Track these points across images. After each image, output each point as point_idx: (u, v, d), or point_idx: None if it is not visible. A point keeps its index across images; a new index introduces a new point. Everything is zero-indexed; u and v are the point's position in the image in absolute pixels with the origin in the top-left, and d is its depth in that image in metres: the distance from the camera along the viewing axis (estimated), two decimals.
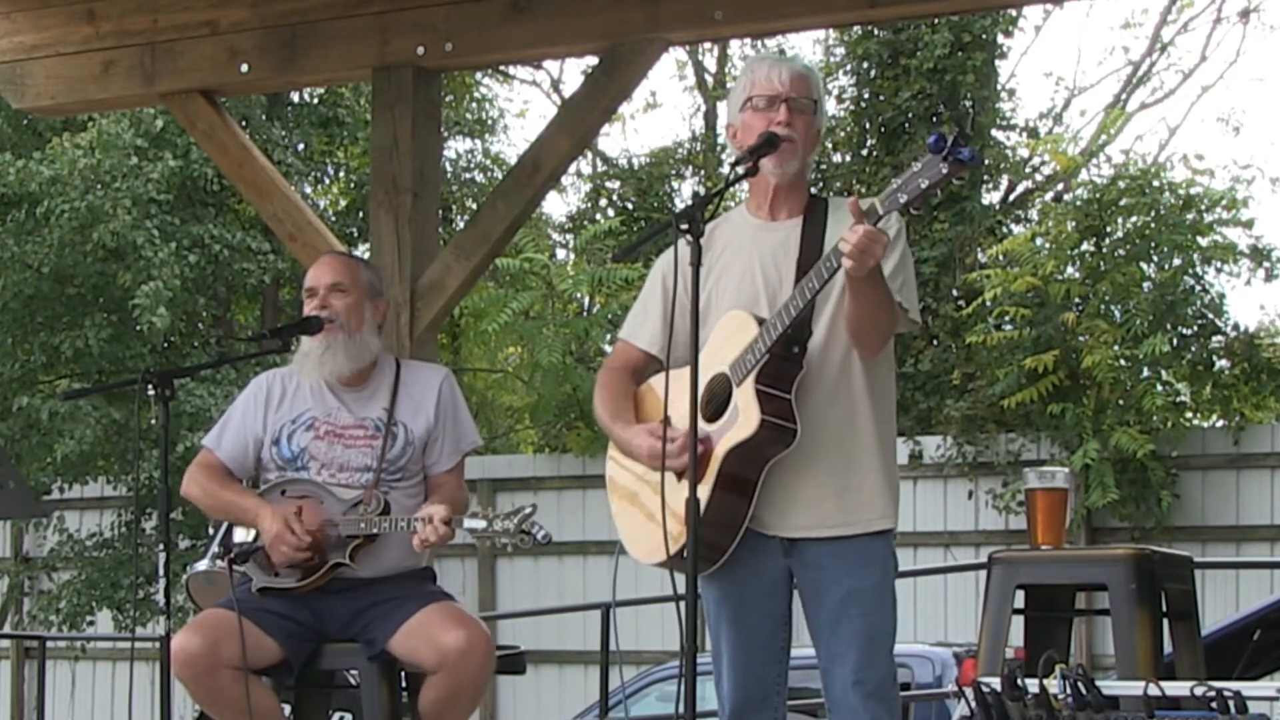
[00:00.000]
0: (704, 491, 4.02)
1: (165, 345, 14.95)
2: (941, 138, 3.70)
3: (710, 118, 20.68)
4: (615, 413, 4.30)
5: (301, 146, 16.38)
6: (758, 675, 4.20)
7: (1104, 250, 14.28)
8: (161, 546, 4.83)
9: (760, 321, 4.08)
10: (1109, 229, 14.34)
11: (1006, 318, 14.35)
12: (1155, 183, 14.29)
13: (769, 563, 4.16)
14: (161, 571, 4.80)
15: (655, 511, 4.13)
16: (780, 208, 4.25)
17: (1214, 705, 4.19)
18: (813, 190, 4.35)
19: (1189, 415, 14.42)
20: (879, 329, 4.08)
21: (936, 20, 16.07)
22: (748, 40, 17.70)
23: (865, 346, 4.12)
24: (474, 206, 18.70)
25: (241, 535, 4.97)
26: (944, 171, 3.72)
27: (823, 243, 4.13)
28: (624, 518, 4.34)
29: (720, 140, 20.22)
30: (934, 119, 16.68)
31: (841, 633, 4.10)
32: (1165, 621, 5.19)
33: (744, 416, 4.04)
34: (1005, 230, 16.60)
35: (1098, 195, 14.37)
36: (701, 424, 4.04)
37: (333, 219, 17.02)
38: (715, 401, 4.11)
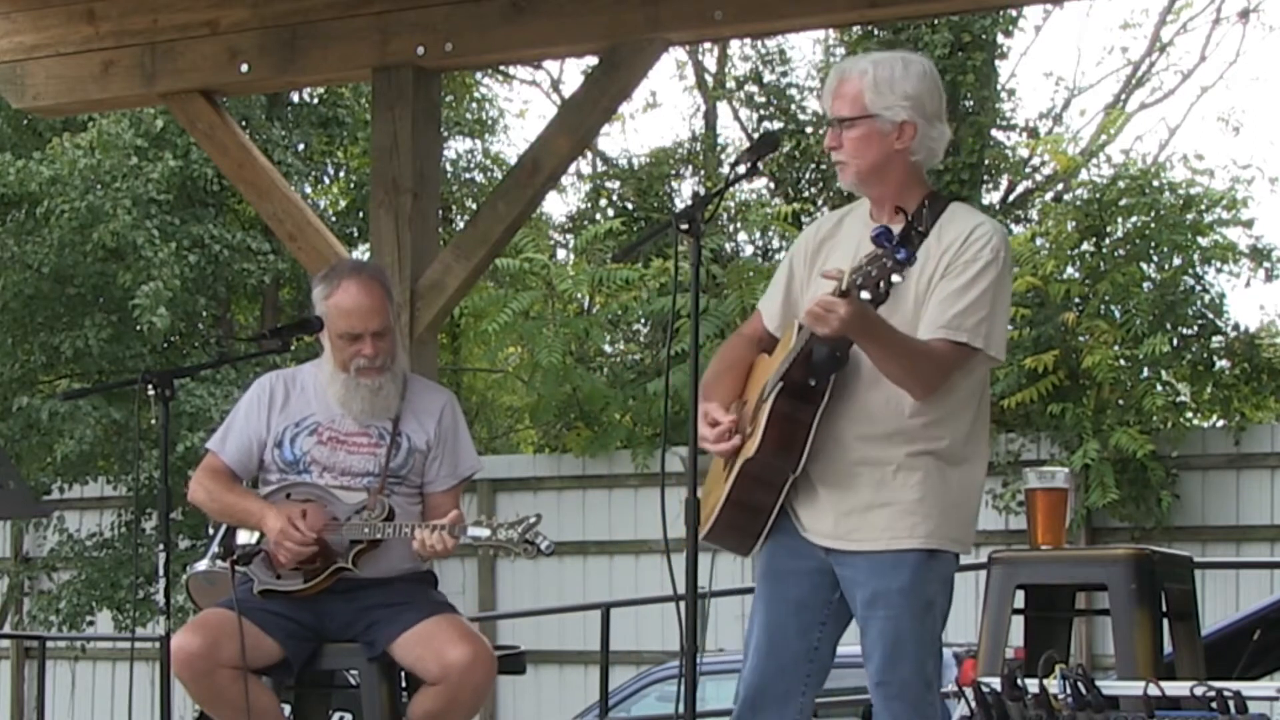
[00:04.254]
0: (723, 493, 4.08)
1: (165, 345, 14.94)
2: (885, 232, 3.68)
3: (710, 118, 20.66)
4: (707, 385, 4.25)
5: (301, 146, 16.37)
6: (781, 667, 4.16)
7: (1104, 250, 14.27)
8: (161, 546, 4.83)
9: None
10: (1109, 229, 14.33)
11: None
12: (1155, 183, 14.29)
13: (809, 560, 4.15)
14: (161, 571, 4.81)
15: (712, 489, 4.19)
16: (881, 211, 4.17)
17: (1214, 705, 4.19)
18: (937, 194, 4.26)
19: (1189, 415, 14.41)
20: (902, 379, 4.01)
21: (936, 20, 16.08)
22: (748, 40, 17.72)
23: (906, 390, 4.06)
24: (474, 206, 18.69)
25: (244, 536, 4.96)
26: (888, 266, 3.68)
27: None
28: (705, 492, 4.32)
29: (720, 140, 20.23)
30: None
31: (869, 633, 4.09)
32: (1165, 621, 5.19)
33: (754, 435, 4.06)
34: (1005, 230, 16.58)
35: (1098, 195, 14.36)
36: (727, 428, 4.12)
37: (333, 219, 17.00)
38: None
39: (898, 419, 4.08)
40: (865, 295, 3.72)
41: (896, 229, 3.72)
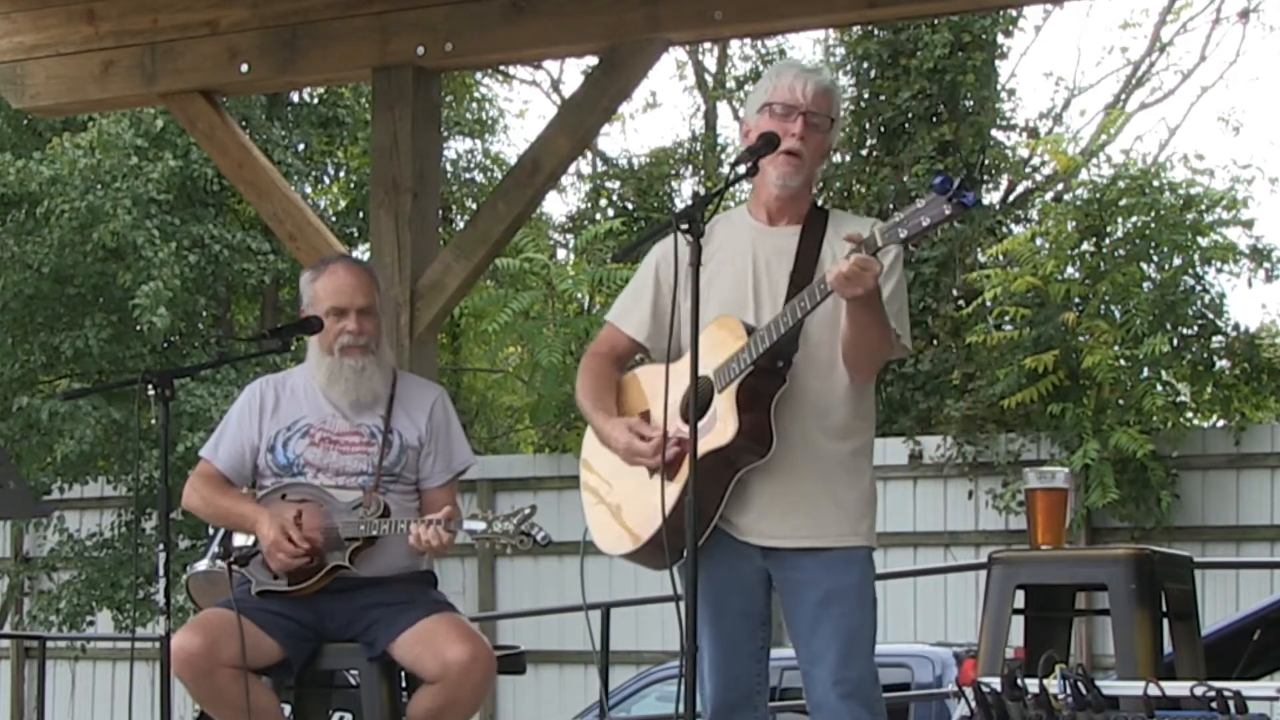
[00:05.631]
0: (673, 491, 4.05)
1: (165, 345, 14.94)
2: (947, 180, 3.74)
3: (710, 118, 20.68)
4: (597, 400, 4.31)
5: (301, 146, 16.38)
6: (738, 675, 4.23)
7: (1104, 250, 14.28)
8: (161, 546, 4.82)
9: (749, 331, 4.09)
10: (1109, 229, 14.33)
11: (1006, 318, 14.35)
12: (1155, 183, 14.29)
13: (746, 565, 4.20)
14: (161, 571, 4.80)
15: (625, 503, 4.19)
16: (781, 214, 4.27)
17: (1214, 705, 4.19)
18: (817, 203, 4.36)
19: (1189, 415, 14.41)
20: (872, 356, 4.12)
21: (936, 20, 16.08)
22: (748, 40, 17.73)
23: (858, 372, 4.15)
24: (474, 206, 18.70)
25: (243, 537, 4.96)
26: (946, 213, 3.75)
27: (819, 254, 4.17)
28: (593, 507, 4.36)
29: (720, 140, 20.24)
30: (934, 119, 16.68)
31: (820, 632, 4.13)
32: (1165, 621, 5.19)
33: (721, 424, 4.07)
34: (1005, 230, 16.60)
35: (1098, 195, 14.37)
36: (680, 425, 4.07)
37: (333, 219, 17.02)
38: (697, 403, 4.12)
39: (836, 411, 4.16)
40: (903, 235, 3.80)
41: (954, 176, 3.74)
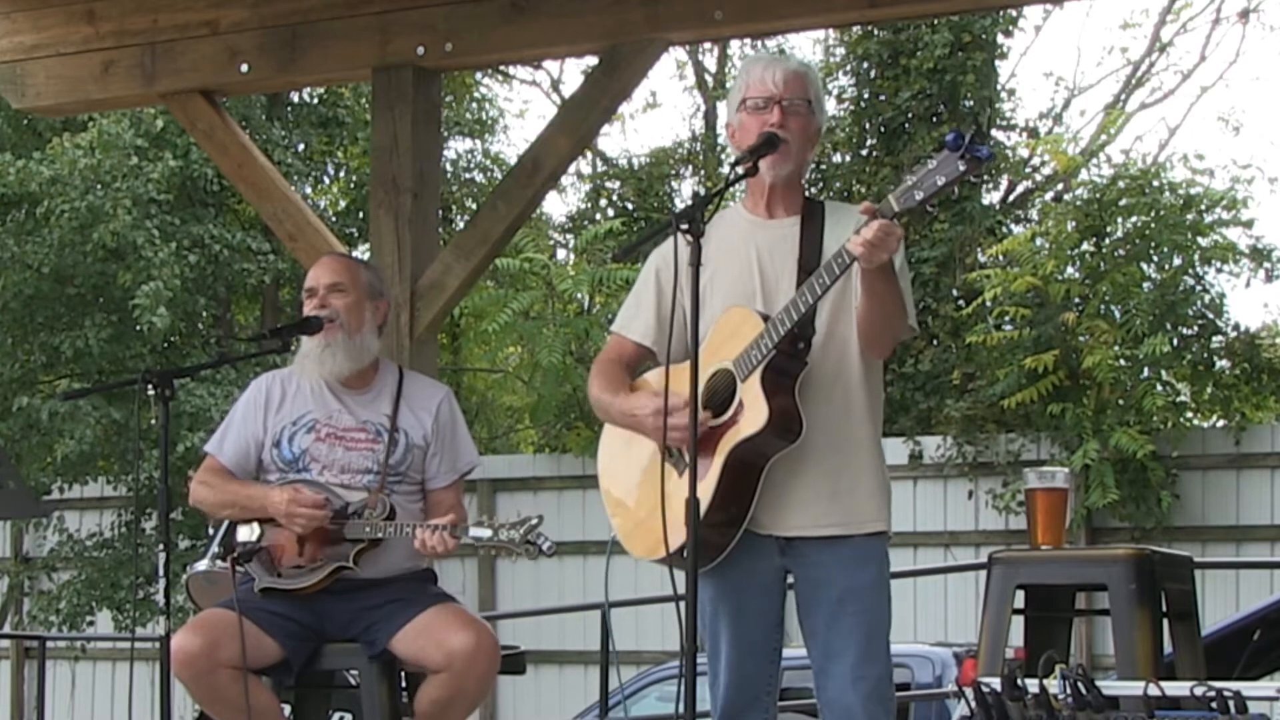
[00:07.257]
0: (707, 488, 4.00)
1: (165, 345, 14.94)
2: (959, 135, 3.70)
3: (710, 118, 20.69)
4: (615, 390, 4.26)
5: (301, 146, 16.38)
6: (751, 675, 4.21)
7: (1104, 250, 14.28)
8: (161, 546, 4.82)
9: (765, 318, 4.07)
10: (1109, 229, 14.34)
11: (1006, 318, 14.35)
12: (1155, 183, 14.30)
13: (765, 562, 4.17)
14: (161, 571, 4.80)
15: (653, 507, 4.11)
16: (777, 206, 4.27)
17: (1214, 705, 4.19)
18: (808, 194, 4.36)
19: (1189, 415, 14.41)
20: (891, 327, 4.09)
21: (936, 20, 16.09)
22: (748, 40, 17.74)
23: (877, 345, 4.13)
24: (474, 206, 18.69)
25: (244, 535, 4.95)
26: (960, 169, 3.71)
27: (821, 244, 4.15)
28: (620, 513, 4.33)
29: (720, 140, 20.23)
30: (934, 119, 16.69)
31: (839, 630, 4.11)
32: (1165, 621, 5.19)
33: (750, 412, 4.03)
34: (1005, 230, 16.61)
35: (1098, 195, 14.37)
36: (704, 416, 4.03)
37: (333, 219, 17.02)
38: (717, 397, 4.09)
39: (854, 395, 4.15)
40: (930, 209, 3.80)
41: (964, 131, 3.72)
